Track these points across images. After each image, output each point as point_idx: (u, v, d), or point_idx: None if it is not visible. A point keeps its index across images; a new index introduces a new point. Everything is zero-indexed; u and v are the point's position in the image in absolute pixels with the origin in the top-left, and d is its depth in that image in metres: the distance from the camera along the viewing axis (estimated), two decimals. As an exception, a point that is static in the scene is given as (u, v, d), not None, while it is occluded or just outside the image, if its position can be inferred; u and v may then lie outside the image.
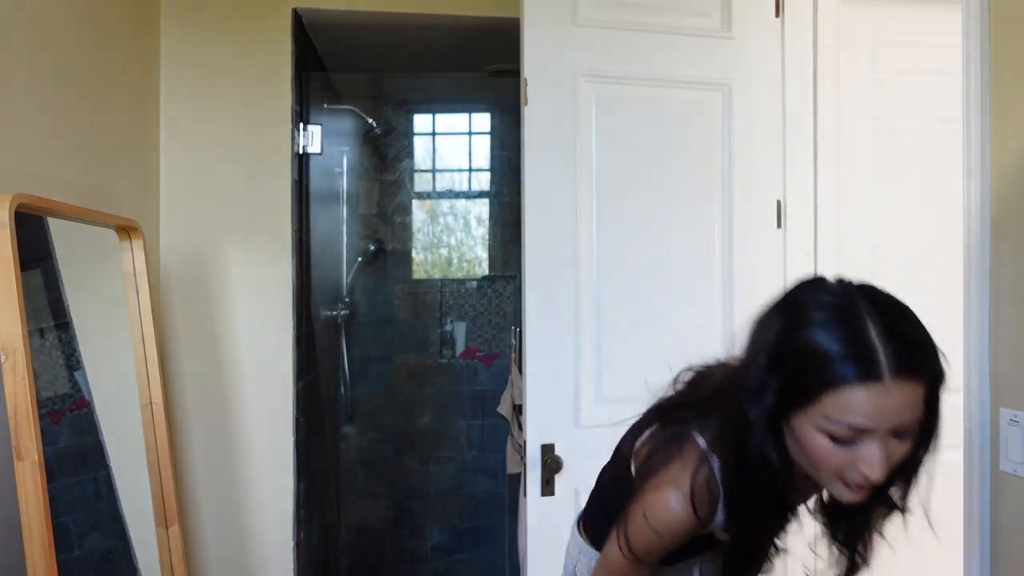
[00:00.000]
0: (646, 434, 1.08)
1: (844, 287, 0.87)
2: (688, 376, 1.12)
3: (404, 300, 3.31)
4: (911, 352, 0.82)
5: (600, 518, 1.18)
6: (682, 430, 1.00)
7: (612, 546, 1.02)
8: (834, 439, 0.82)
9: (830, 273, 0.92)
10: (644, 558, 1.00)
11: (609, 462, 1.23)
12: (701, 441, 0.97)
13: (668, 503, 0.95)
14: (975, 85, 1.22)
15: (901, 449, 0.84)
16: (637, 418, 1.14)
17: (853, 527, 1.04)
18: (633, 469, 1.08)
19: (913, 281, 2.01)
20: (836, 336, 0.81)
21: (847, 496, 0.87)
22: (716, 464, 0.94)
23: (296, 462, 2.09)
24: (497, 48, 2.51)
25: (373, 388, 3.30)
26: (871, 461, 0.81)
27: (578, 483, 1.74)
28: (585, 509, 1.28)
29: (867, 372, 0.79)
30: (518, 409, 2.36)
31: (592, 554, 1.18)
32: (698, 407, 1.02)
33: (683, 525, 0.95)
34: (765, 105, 1.91)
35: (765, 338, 0.88)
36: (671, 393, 1.12)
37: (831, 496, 0.98)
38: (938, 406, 0.90)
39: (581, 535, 1.25)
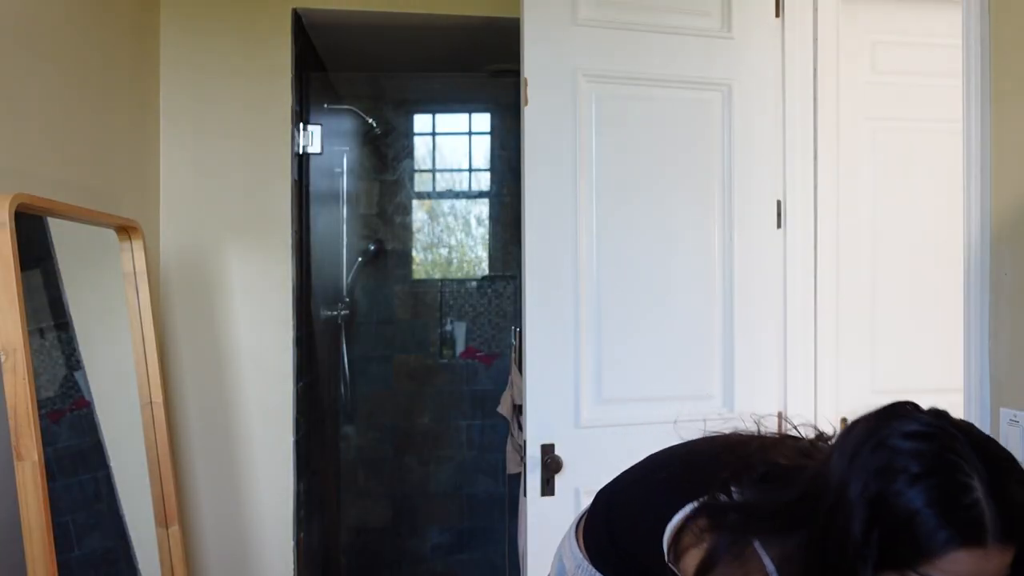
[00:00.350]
0: (682, 516, 0.97)
1: (942, 430, 0.79)
2: (734, 455, 0.99)
3: (404, 300, 3.31)
4: (1017, 518, 0.75)
5: (607, 547, 1.13)
6: (743, 539, 0.89)
7: None
8: None
9: (922, 405, 0.84)
10: None
11: (621, 505, 1.15)
12: (768, 562, 0.88)
13: None
14: (975, 85, 1.22)
15: None
16: (665, 479, 1.06)
17: None
18: (666, 549, 0.98)
19: (913, 281, 2.03)
20: (938, 496, 0.74)
21: None
22: None
23: (296, 462, 2.09)
24: (497, 48, 2.51)
25: (373, 388, 3.30)
26: None
27: (578, 483, 1.74)
28: (587, 524, 1.20)
29: (971, 537, 0.73)
30: (518, 409, 2.36)
31: (591, 571, 1.14)
32: (764, 518, 0.89)
33: None
34: (765, 105, 1.91)
35: (857, 484, 0.79)
36: (712, 456, 1.01)
37: None
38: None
39: (580, 548, 1.18)
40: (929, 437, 0.78)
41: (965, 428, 0.81)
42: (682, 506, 0.97)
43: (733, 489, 0.93)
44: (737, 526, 0.90)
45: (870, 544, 0.76)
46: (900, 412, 0.83)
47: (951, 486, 0.74)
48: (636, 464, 1.19)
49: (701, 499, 0.96)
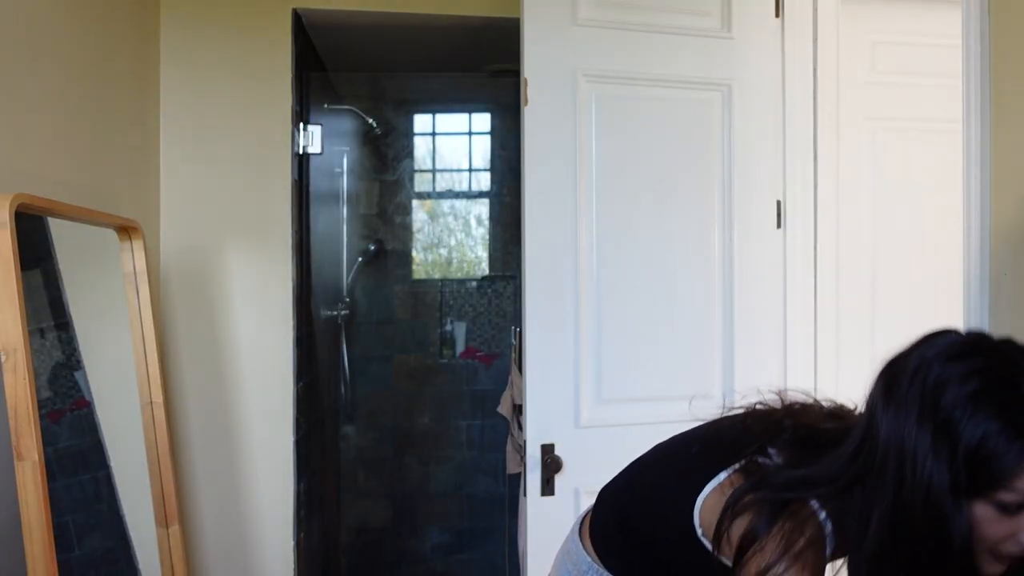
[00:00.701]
0: (717, 483, 0.94)
1: (985, 342, 0.78)
2: (771, 417, 0.97)
3: (404, 300, 3.31)
4: None
5: (616, 539, 1.10)
6: (799, 499, 0.85)
7: None
8: (1003, 508, 0.75)
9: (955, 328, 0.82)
10: None
11: (634, 488, 1.12)
12: (827, 524, 0.85)
13: (795, 568, 0.81)
14: (975, 85, 1.22)
15: None
16: (689, 458, 1.02)
17: None
18: (697, 521, 0.95)
19: (913, 282, 2.03)
20: (1006, 410, 0.73)
21: (990, 569, 0.80)
22: (828, 548, 0.85)
23: (296, 462, 2.09)
24: (497, 48, 2.51)
25: (373, 388, 3.30)
26: None
27: (578, 483, 1.74)
28: (592, 522, 1.16)
29: None
30: (518, 409, 2.36)
31: (601, 571, 1.10)
32: (818, 478, 0.85)
33: None
34: (765, 105, 1.91)
35: (914, 424, 0.76)
36: (738, 426, 0.99)
37: None
38: None
39: (588, 550, 1.14)
40: (976, 352, 0.76)
41: (1007, 339, 0.78)
42: (715, 474, 0.94)
43: (771, 451, 0.90)
44: (790, 486, 0.85)
45: (947, 481, 0.73)
46: (936, 336, 0.80)
47: (1016, 397, 0.72)
48: (642, 455, 1.16)
49: (739, 463, 0.91)
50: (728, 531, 0.88)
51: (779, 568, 0.82)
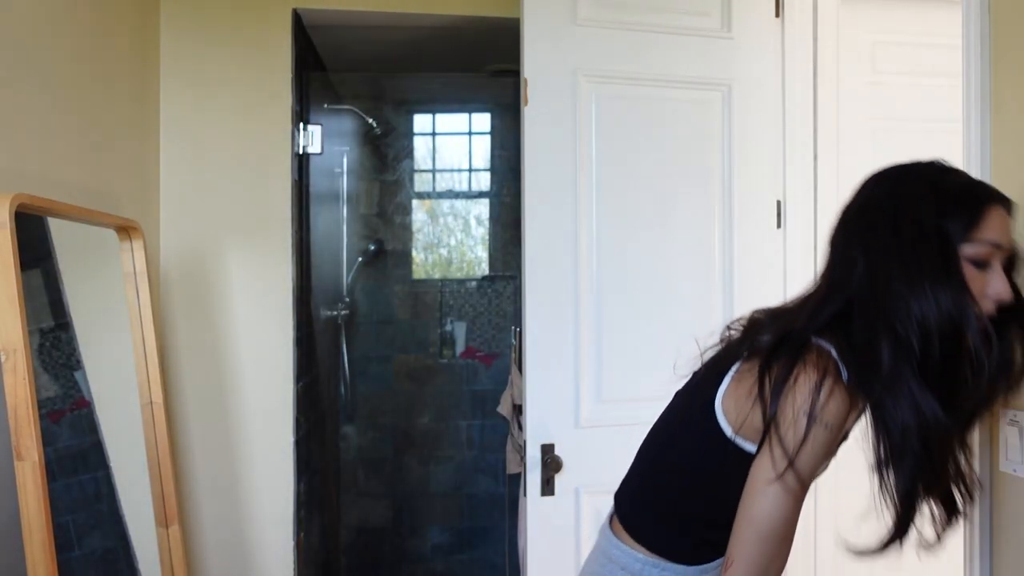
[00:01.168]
0: (725, 385, 0.99)
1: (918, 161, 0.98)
2: (759, 315, 1.05)
3: (404, 300, 3.31)
4: (1007, 200, 0.96)
5: (657, 506, 1.07)
6: (801, 342, 0.92)
7: (770, 491, 0.91)
8: (977, 264, 0.90)
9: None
10: (810, 476, 0.94)
11: (651, 447, 1.12)
12: (825, 344, 0.92)
13: (825, 388, 0.87)
14: (975, 85, 1.22)
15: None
16: (688, 378, 1.09)
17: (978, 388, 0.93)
18: (724, 423, 0.98)
19: (913, 281, 2.02)
20: (967, 178, 0.96)
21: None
22: (844, 374, 0.90)
23: (296, 462, 2.10)
24: (497, 48, 2.51)
25: (373, 388, 3.30)
26: (999, 284, 0.91)
27: (578, 483, 1.74)
28: (631, 512, 1.11)
29: (997, 196, 0.94)
30: (518, 409, 2.36)
31: (665, 564, 1.04)
32: (805, 317, 0.95)
33: (846, 406, 0.90)
34: (765, 105, 1.91)
35: (913, 197, 0.93)
36: (722, 349, 1.06)
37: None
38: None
39: (633, 547, 1.07)
40: (918, 165, 0.97)
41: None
42: (721, 380, 0.99)
43: (761, 338, 0.98)
44: (791, 338, 0.93)
45: (944, 220, 0.89)
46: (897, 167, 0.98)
47: (961, 178, 0.95)
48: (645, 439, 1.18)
49: (739, 360, 0.99)
50: (761, 399, 0.91)
51: (815, 399, 0.87)
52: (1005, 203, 0.93)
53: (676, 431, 1.10)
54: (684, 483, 1.06)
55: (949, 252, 0.89)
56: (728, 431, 0.97)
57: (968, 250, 0.90)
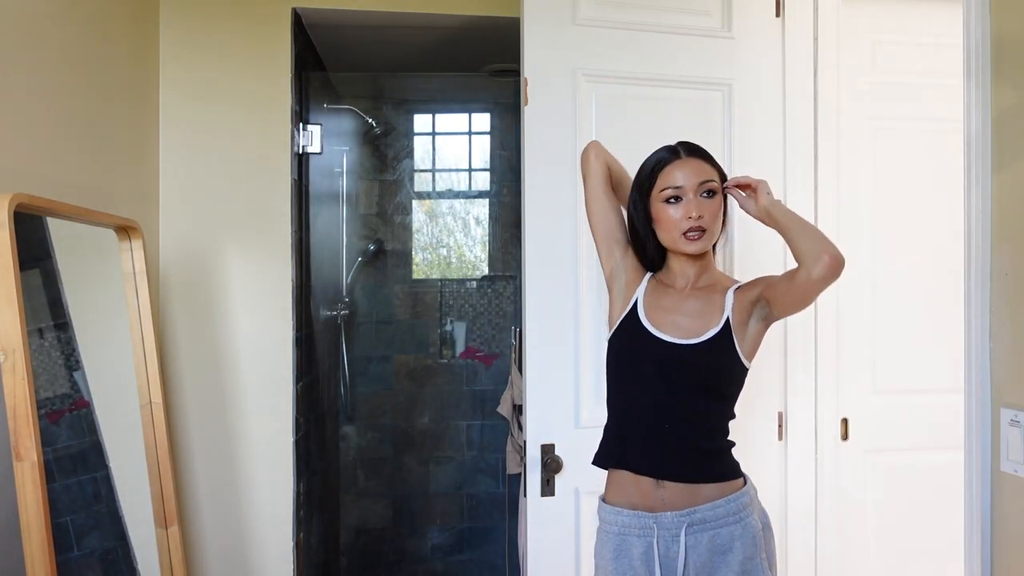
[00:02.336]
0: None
1: None
2: None
3: (404, 300, 3.31)
4: (695, 148, 1.41)
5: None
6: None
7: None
8: (668, 201, 1.36)
9: None
10: None
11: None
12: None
13: None
14: (976, 84, 1.22)
15: (711, 204, 1.36)
16: None
17: None
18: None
19: (914, 281, 2.03)
20: (657, 151, 1.42)
21: (690, 247, 1.36)
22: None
23: (296, 462, 2.09)
24: (497, 48, 2.50)
25: (373, 388, 3.30)
26: (692, 208, 1.35)
27: (578, 483, 1.74)
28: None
29: (672, 153, 1.39)
30: (518, 409, 2.36)
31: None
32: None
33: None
34: (765, 105, 1.91)
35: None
36: None
37: None
38: (715, 190, 1.38)
39: None
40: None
41: None
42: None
43: None
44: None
45: (637, 194, 1.43)
46: None
47: (663, 147, 1.42)
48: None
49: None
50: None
51: None
52: (676, 156, 1.38)
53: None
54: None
55: (638, 201, 1.43)
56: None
57: (658, 196, 1.37)
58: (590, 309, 1.77)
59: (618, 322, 1.43)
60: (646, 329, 1.38)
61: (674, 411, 1.34)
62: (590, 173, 1.52)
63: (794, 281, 1.27)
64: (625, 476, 1.38)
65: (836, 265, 1.23)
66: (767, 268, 1.92)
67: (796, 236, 1.29)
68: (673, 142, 1.42)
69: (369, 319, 3.30)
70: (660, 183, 1.37)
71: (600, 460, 1.44)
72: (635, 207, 1.43)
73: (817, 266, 1.22)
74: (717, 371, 1.36)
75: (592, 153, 1.52)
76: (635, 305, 1.42)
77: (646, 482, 1.35)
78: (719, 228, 1.40)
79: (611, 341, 1.44)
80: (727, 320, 1.36)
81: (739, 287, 1.40)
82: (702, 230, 1.34)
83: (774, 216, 1.34)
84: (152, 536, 1.64)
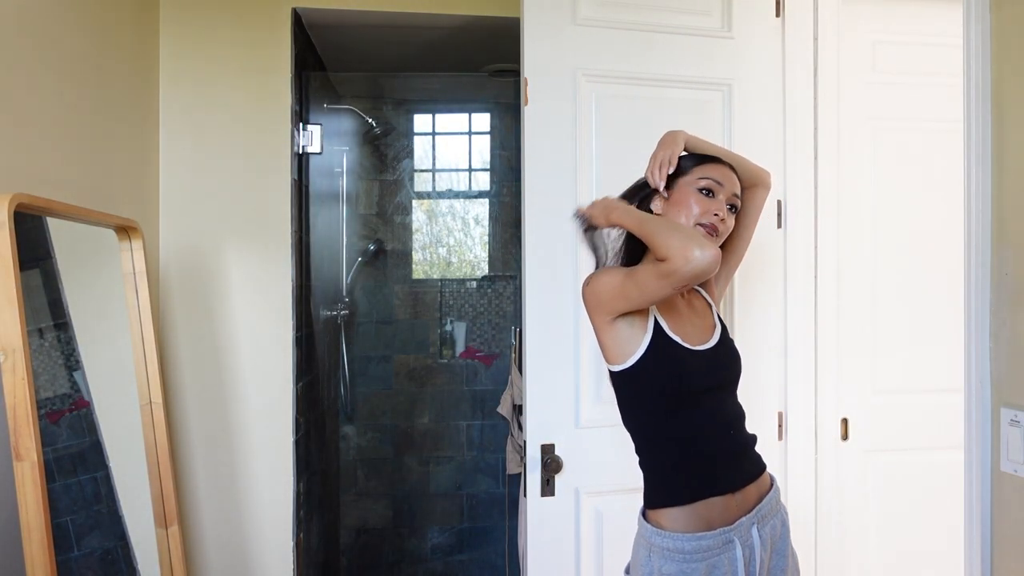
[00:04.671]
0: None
1: None
2: None
3: (404, 300, 3.31)
4: (729, 164, 1.40)
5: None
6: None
7: None
8: (702, 191, 1.34)
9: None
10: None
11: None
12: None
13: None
14: (976, 84, 1.22)
15: (731, 217, 1.36)
16: None
17: None
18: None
19: (914, 281, 2.03)
20: (695, 154, 1.42)
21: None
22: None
23: (296, 462, 2.09)
24: (497, 48, 2.50)
25: (373, 388, 3.30)
26: (719, 207, 1.33)
27: (578, 483, 1.74)
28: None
29: (716, 160, 1.39)
30: (518, 409, 2.36)
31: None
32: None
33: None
34: (765, 105, 1.91)
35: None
36: None
37: None
38: (738, 207, 1.39)
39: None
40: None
41: None
42: None
43: None
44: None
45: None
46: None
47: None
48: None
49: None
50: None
51: None
52: (719, 161, 1.39)
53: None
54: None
55: (642, 189, 1.42)
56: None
57: (693, 182, 1.36)
58: (590, 309, 1.77)
59: (643, 348, 1.27)
60: (679, 343, 1.28)
61: (732, 415, 1.34)
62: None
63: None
64: (711, 502, 1.26)
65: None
66: (764, 267, 1.92)
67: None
68: None
69: (369, 319, 3.30)
70: (700, 172, 1.35)
71: (678, 498, 1.26)
72: (644, 196, 1.39)
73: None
74: (740, 361, 1.40)
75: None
76: (656, 322, 1.29)
77: (728, 497, 1.28)
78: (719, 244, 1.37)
79: (635, 370, 1.28)
80: (718, 315, 1.42)
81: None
82: (716, 231, 1.32)
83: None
84: (152, 536, 1.64)
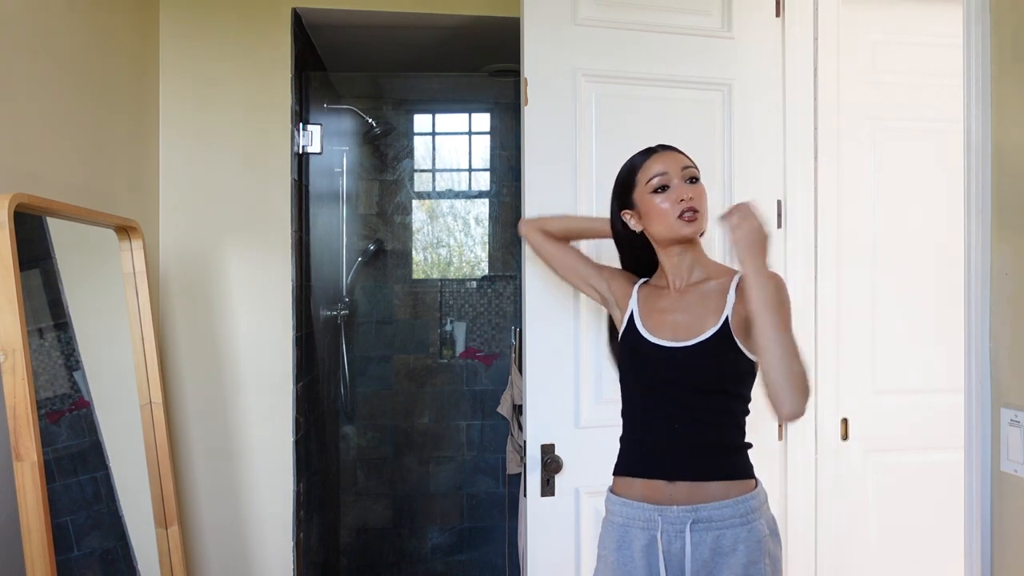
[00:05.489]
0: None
1: None
2: None
3: (404, 300, 3.31)
4: (669, 146, 1.43)
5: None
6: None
7: None
8: (656, 191, 1.36)
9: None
10: None
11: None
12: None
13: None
14: (976, 84, 1.22)
15: (696, 188, 1.37)
16: None
17: None
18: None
19: (914, 281, 2.03)
20: (632, 157, 1.45)
21: (688, 228, 1.35)
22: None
23: (296, 462, 2.09)
24: (497, 48, 2.50)
25: (373, 388, 3.30)
26: (681, 192, 1.35)
27: (578, 483, 1.74)
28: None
29: (648, 152, 1.42)
30: (518, 409, 2.36)
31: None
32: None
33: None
34: (765, 105, 1.91)
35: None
36: None
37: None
38: (697, 177, 1.40)
39: None
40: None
41: None
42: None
43: None
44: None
45: (616, 204, 1.46)
46: None
47: (638, 153, 1.44)
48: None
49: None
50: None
51: None
52: (652, 152, 1.41)
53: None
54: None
55: (614, 209, 1.47)
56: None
57: (645, 190, 1.38)
58: (590, 309, 1.77)
59: (620, 334, 1.45)
60: (643, 336, 1.39)
61: (683, 412, 1.34)
62: (534, 247, 1.62)
63: (765, 382, 1.26)
64: (641, 481, 1.38)
65: (793, 417, 1.24)
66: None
67: (769, 352, 1.24)
68: (654, 144, 1.45)
69: (369, 319, 3.30)
70: (644, 176, 1.38)
71: (621, 469, 1.43)
72: (615, 218, 1.46)
73: (779, 409, 1.24)
74: (718, 371, 1.33)
75: (524, 232, 1.63)
76: (631, 315, 1.43)
77: (658, 481, 1.35)
78: (707, 214, 1.40)
79: (616, 352, 1.49)
80: (726, 320, 1.33)
81: (742, 280, 1.35)
82: (695, 211, 1.34)
83: (749, 288, 1.27)
84: (152, 536, 1.64)
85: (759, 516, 1.33)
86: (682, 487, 1.33)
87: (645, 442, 1.38)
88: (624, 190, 1.43)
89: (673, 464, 1.34)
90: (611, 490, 1.44)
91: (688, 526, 1.30)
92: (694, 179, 1.38)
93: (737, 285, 1.37)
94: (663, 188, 1.36)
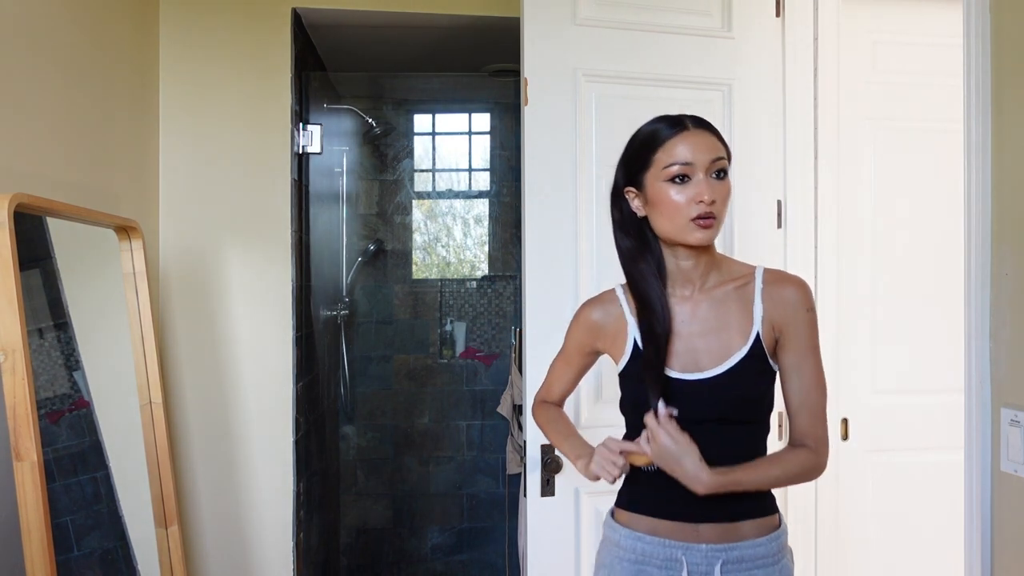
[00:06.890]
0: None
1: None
2: None
3: (404, 300, 3.31)
4: (702, 121, 1.17)
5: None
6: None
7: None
8: (673, 181, 1.12)
9: None
10: None
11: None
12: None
13: None
14: (976, 84, 1.22)
15: (722, 186, 1.14)
16: None
17: None
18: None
19: (914, 281, 2.03)
20: (655, 121, 1.18)
21: (697, 235, 1.12)
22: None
23: (296, 462, 2.09)
24: (497, 48, 2.50)
25: (373, 388, 3.30)
26: (703, 190, 1.11)
27: (578, 483, 1.74)
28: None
29: (676, 126, 1.15)
30: (518, 409, 2.36)
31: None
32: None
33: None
34: (765, 105, 1.91)
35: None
36: None
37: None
38: (727, 170, 1.16)
39: None
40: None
41: None
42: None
43: None
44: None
45: (622, 171, 1.23)
46: None
47: (663, 117, 1.19)
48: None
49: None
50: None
51: None
52: (682, 128, 1.15)
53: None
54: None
55: (618, 180, 1.25)
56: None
57: (659, 175, 1.14)
58: (590, 309, 1.77)
59: (624, 362, 1.22)
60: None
61: (708, 450, 1.11)
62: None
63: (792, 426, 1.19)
64: (657, 521, 1.20)
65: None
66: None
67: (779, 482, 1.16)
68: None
69: (369, 319, 3.30)
70: (662, 159, 1.13)
71: (629, 505, 1.23)
72: (616, 196, 1.23)
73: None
74: (750, 398, 1.16)
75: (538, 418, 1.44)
76: (635, 345, 1.21)
77: (678, 523, 1.18)
78: (724, 218, 1.16)
79: (620, 380, 1.26)
80: (756, 337, 1.15)
81: (768, 285, 1.19)
82: (713, 217, 1.11)
83: (731, 486, 1.11)
84: (152, 536, 1.64)
85: (786, 551, 1.22)
86: (710, 526, 1.16)
87: (658, 484, 1.16)
88: (635, 163, 1.18)
89: (700, 507, 1.14)
90: (614, 516, 1.25)
91: (718, 567, 1.14)
92: (722, 172, 1.14)
93: (766, 286, 1.19)
94: (682, 178, 1.12)
